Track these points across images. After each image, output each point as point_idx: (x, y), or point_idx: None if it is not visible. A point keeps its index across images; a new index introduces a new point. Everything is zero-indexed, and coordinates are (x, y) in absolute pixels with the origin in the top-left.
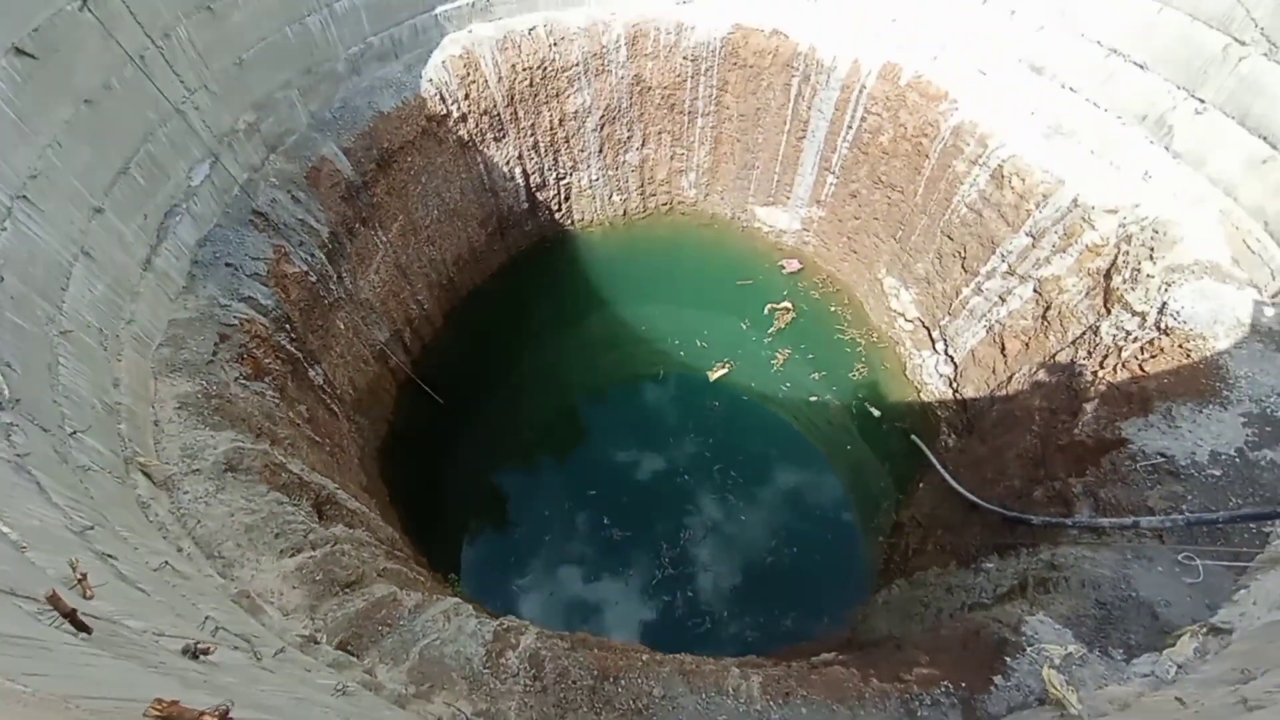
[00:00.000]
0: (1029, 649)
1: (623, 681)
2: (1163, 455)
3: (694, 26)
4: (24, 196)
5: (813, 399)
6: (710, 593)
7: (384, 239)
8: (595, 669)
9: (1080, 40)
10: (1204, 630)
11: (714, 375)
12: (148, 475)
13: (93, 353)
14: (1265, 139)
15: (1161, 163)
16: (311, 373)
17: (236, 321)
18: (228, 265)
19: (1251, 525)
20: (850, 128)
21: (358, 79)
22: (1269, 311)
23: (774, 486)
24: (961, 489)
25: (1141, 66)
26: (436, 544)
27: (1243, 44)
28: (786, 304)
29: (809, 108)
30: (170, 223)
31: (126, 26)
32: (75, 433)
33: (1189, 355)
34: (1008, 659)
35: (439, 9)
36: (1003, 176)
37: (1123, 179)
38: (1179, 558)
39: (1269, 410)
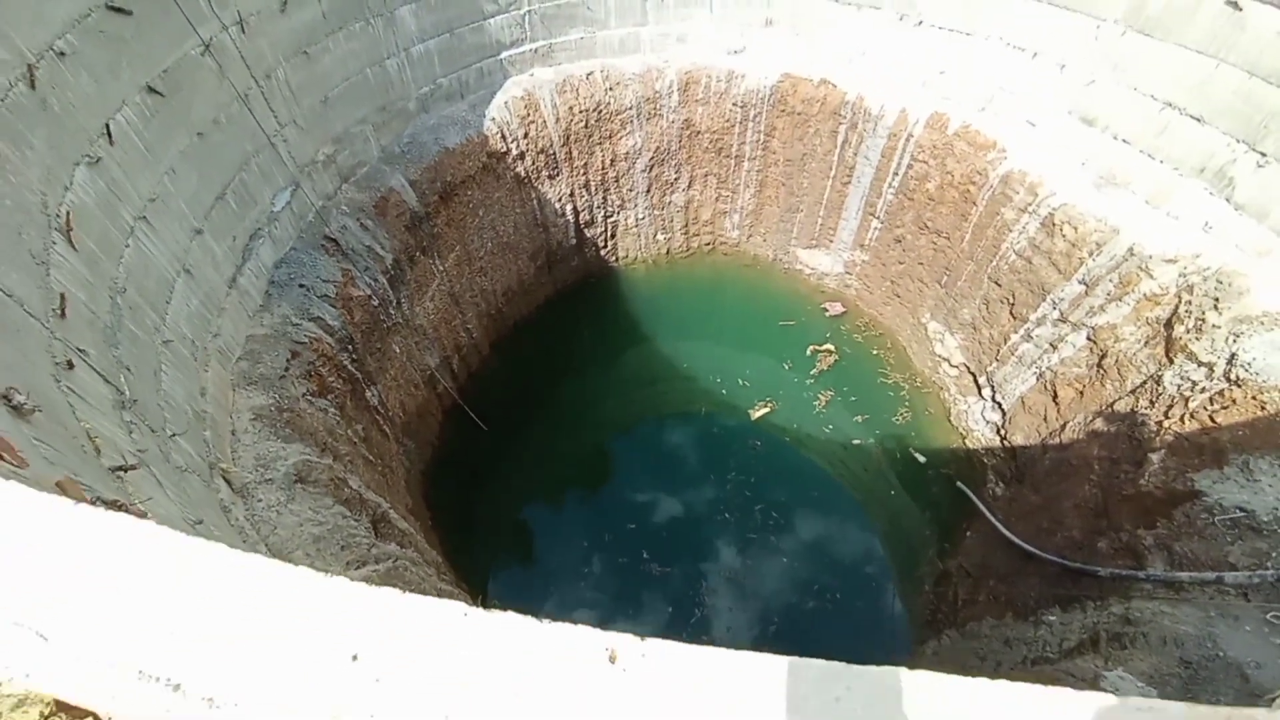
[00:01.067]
0: None
1: None
2: (1242, 510)
3: (744, 75)
4: (144, 218)
5: (855, 442)
6: (749, 634)
7: (441, 268)
8: None
9: (1133, 94)
10: None
11: (756, 414)
12: (228, 481)
13: (186, 363)
14: None
15: (1222, 214)
16: (368, 393)
17: (307, 340)
18: (301, 286)
19: None
20: (896, 174)
21: (426, 116)
22: None
23: (815, 529)
24: (1016, 538)
25: (1199, 120)
26: (476, 571)
27: None
28: (829, 346)
29: (855, 154)
30: (254, 245)
31: (237, 68)
32: (175, 435)
33: (1264, 408)
34: None
35: (504, 54)
36: (1054, 224)
37: (1182, 229)
38: (1267, 616)
39: None
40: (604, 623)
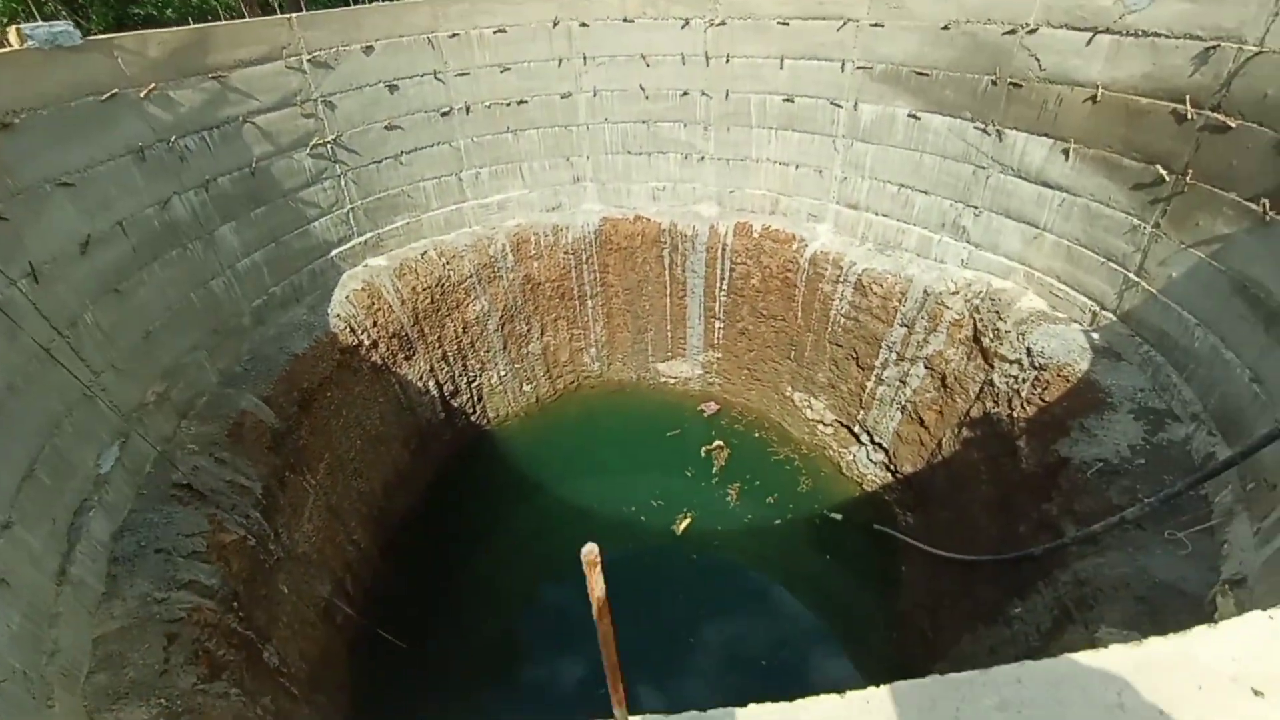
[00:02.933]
0: None
1: None
2: (1099, 460)
3: (568, 226)
4: None
5: (777, 522)
6: None
7: (313, 482)
8: None
9: (876, 182)
10: (1228, 587)
11: (680, 528)
12: None
13: (24, 706)
14: (1027, 223)
15: (969, 252)
16: (266, 654)
17: (183, 614)
18: (158, 552)
19: (1198, 489)
20: (723, 279)
21: (264, 328)
22: (1094, 336)
23: (777, 615)
24: (949, 554)
25: (925, 192)
26: None
27: (984, 168)
28: (719, 443)
29: (683, 271)
30: (81, 521)
31: (33, 322)
32: None
33: (1068, 380)
34: None
35: (334, 252)
36: (863, 286)
37: (949, 269)
38: (1165, 536)
39: (1142, 403)
40: None
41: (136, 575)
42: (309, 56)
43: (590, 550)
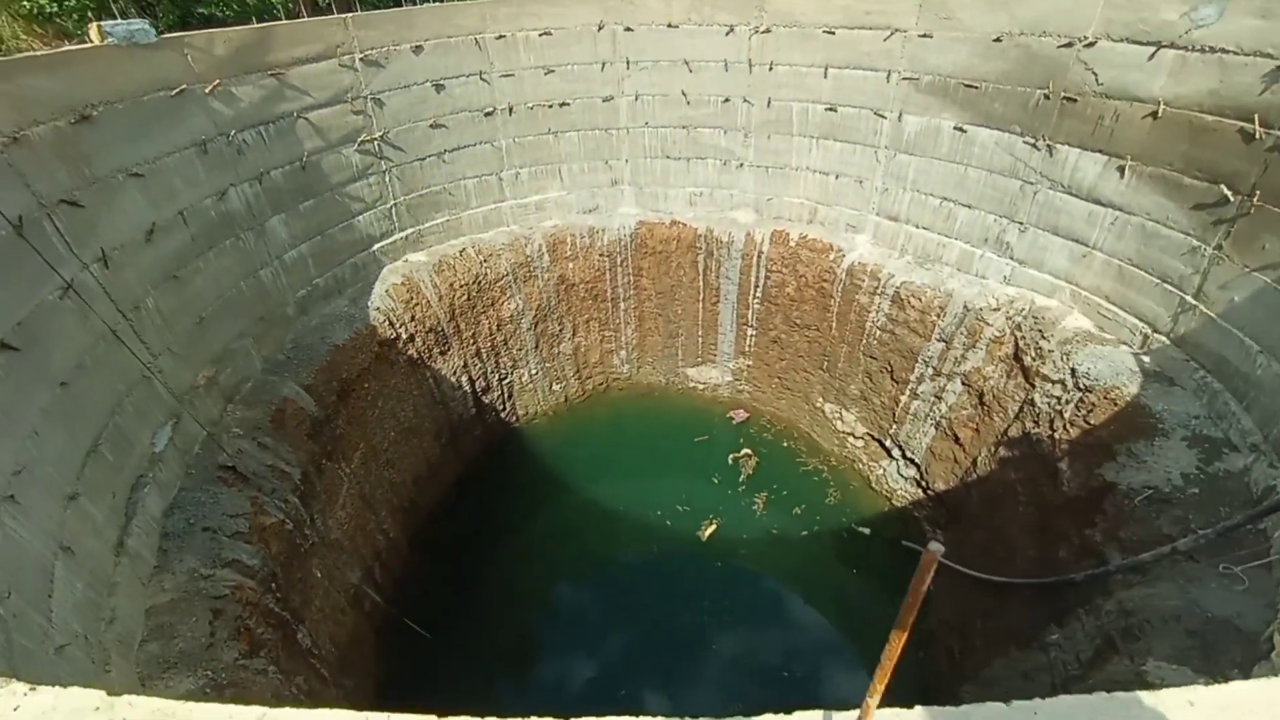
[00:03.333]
0: None
1: None
2: (1149, 487)
3: (604, 229)
4: (11, 497)
5: (803, 534)
6: None
7: (348, 470)
8: None
9: (918, 195)
10: None
11: (705, 535)
12: None
13: (85, 670)
14: (1076, 240)
15: (1012, 269)
16: (299, 635)
17: (227, 591)
18: (204, 530)
19: (1258, 523)
20: (758, 286)
21: (306, 318)
22: (1145, 360)
23: (799, 626)
24: (982, 575)
25: (969, 206)
26: None
27: (1032, 184)
28: (747, 451)
29: (717, 277)
30: (137, 496)
31: (102, 305)
32: None
33: (1115, 404)
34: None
35: (376, 246)
36: (901, 299)
37: (990, 285)
38: (1219, 570)
39: (1196, 430)
40: None
41: (185, 551)
42: (361, 55)
43: (934, 549)
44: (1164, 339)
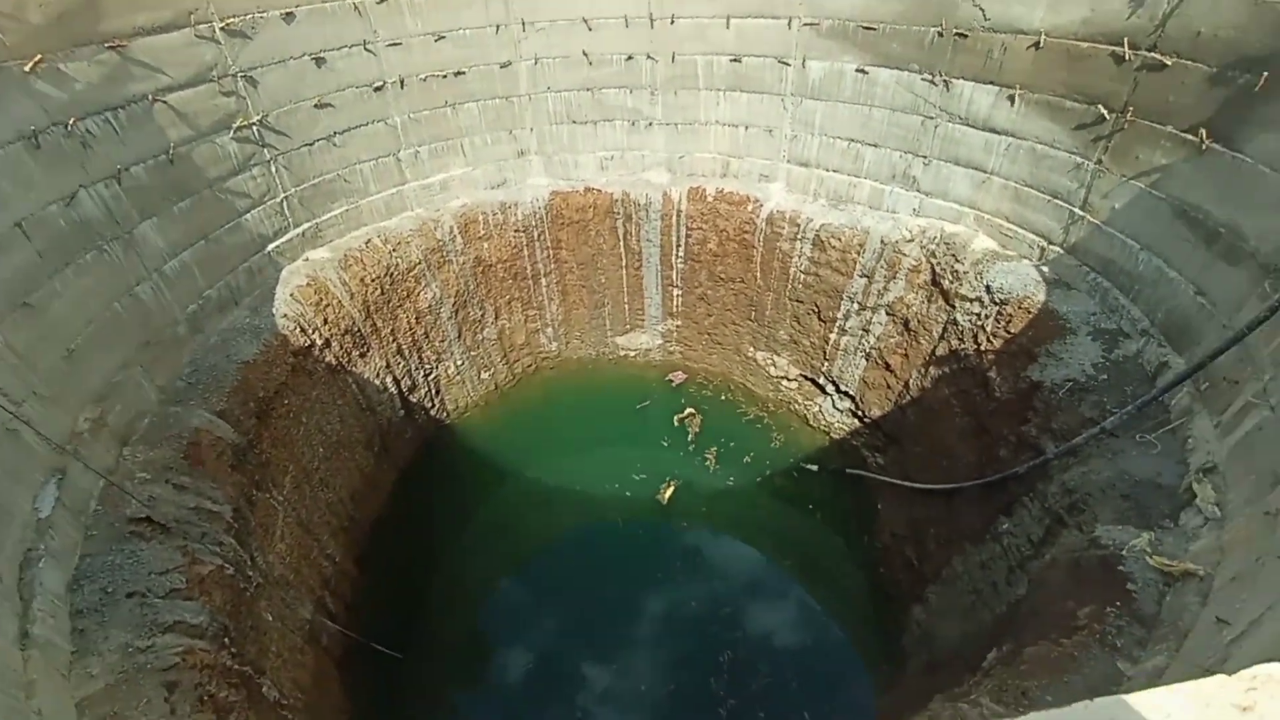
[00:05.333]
0: (1124, 553)
1: None
2: (1069, 380)
3: (516, 203)
4: None
5: (757, 480)
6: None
7: (280, 498)
8: None
9: (826, 139)
10: (1201, 475)
11: (664, 497)
12: None
13: None
14: (975, 168)
15: (920, 201)
16: (264, 688)
17: (177, 659)
18: (129, 596)
19: (1162, 396)
20: (680, 245)
21: (203, 336)
22: (1045, 270)
23: (769, 568)
24: (924, 485)
25: (875, 146)
26: None
27: (932, 119)
28: (690, 410)
29: (638, 240)
30: (30, 574)
31: None
32: None
33: (1029, 311)
34: (1120, 567)
35: (270, 247)
36: (822, 242)
37: (902, 218)
38: (1136, 440)
39: (1096, 325)
40: None
41: (110, 626)
42: (222, 24)
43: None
44: (1059, 249)
